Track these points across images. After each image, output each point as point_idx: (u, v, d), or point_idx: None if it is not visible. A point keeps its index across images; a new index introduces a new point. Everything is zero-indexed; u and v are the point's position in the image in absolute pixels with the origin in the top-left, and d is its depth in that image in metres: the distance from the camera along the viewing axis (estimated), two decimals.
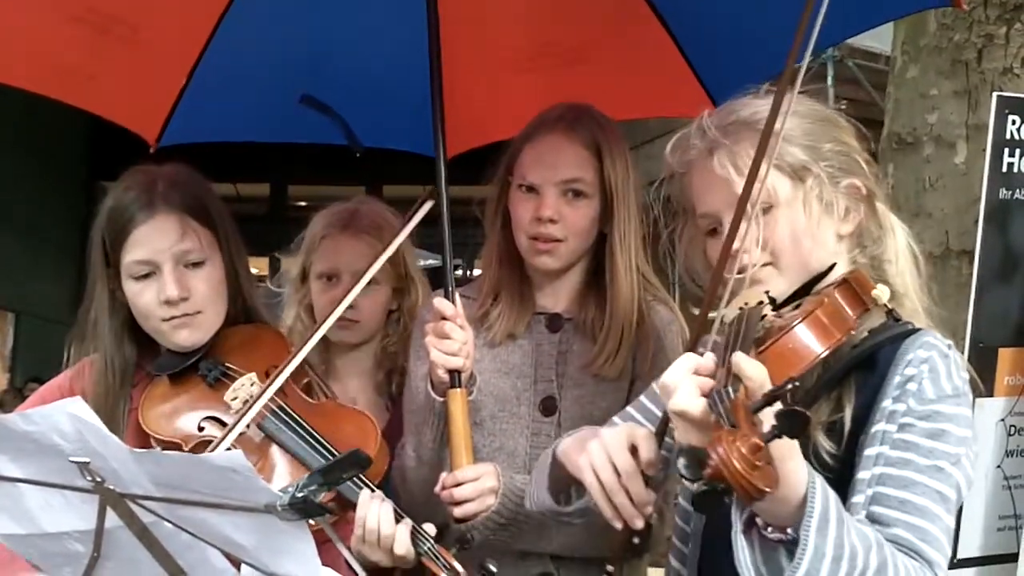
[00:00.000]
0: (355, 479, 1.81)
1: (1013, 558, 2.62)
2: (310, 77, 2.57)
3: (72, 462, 1.28)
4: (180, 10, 2.35)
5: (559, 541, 1.98)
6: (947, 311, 2.91)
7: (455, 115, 2.19)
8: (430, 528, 1.83)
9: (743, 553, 1.28)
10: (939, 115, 3.11)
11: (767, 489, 1.09)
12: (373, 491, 1.83)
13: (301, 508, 1.15)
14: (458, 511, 1.91)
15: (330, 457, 1.81)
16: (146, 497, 1.29)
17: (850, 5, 2.21)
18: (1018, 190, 2.65)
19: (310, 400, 1.96)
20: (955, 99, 3.08)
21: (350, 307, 2.20)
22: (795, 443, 1.22)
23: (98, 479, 1.29)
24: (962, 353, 2.57)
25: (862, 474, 1.36)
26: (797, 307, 1.41)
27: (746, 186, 1.38)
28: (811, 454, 1.38)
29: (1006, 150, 2.63)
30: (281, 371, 1.84)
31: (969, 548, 2.63)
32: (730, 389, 1.17)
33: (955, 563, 2.61)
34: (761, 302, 1.39)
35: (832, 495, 1.26)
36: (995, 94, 2.69)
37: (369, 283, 2.17)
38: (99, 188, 14.03)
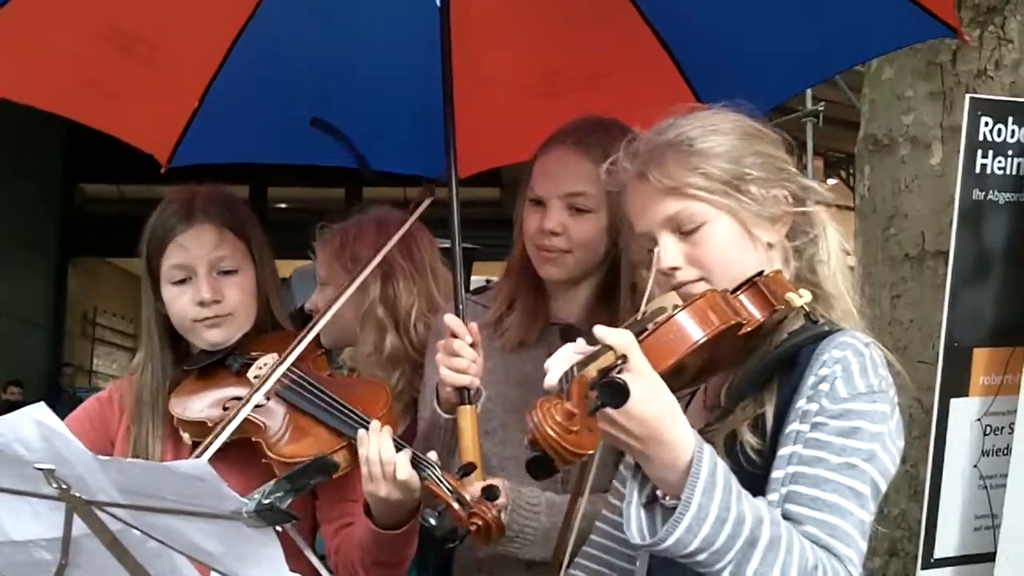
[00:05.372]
0: (357, 421, 1.89)
1: (990, 558, 2.63)
2: (321, 100, 2.60)
3: (38, 469, 1.27)
4: (196, 30, 2.38)
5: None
6: (923, 311, 2.98)
7: (464, 138, 2.21)
8: (432, 456, 1.86)
9: (634, 521, 1.35)
10: (914, 116, 3.11)
11: (580, 451, 1.20)
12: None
13: (268, 515, 1.14)
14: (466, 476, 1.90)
15: (347, 414, 1.91)
16: (113, 504, 1.28)
17: (854, 36, 2.28)
18: (991, 191, 2.66)
19: (327, 376, 2.06)
20: (930, 101, 3.09)
21: None
22: (676, 407, 1.31)
23: (64, 486, 1.28)
24: (937, 353, 2.62)
25: (776, 473, 1.41)
26: None
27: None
28: (738, 449, 1.45)
29: (979, 152, 2.64)
30: (293, 347, 1.94)
31: (946, 548, 2.64)
32: (576, 367, 1.28)
33: (932, 563, 2.62)
34: (676, 305, 1.44)
35: (721, 463, 1.32)
36: (968, 96, 2.70)
37: None
38: (77, 190, 13.98)
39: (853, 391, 1.41)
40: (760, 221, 1.53)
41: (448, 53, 2.18)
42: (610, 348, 1.29)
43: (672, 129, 1.56)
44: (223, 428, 1.86)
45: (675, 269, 1.52)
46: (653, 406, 1.28)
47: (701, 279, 1.51)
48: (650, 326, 1.36)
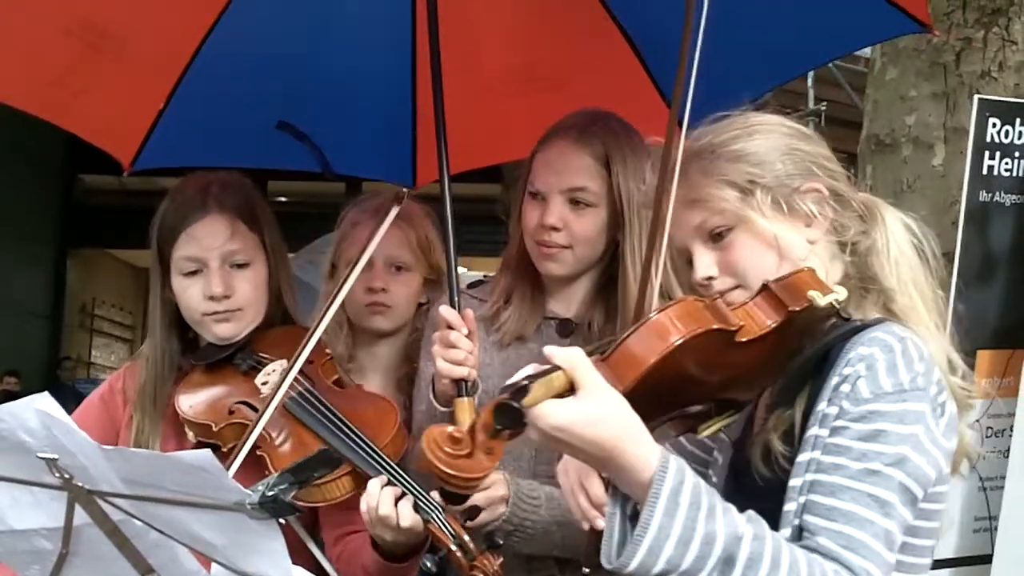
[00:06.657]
0: (374, 459, 1.87)
1: (988, 559, 2.63)
2: (287, 104, 2.58)
3: (40, 458, 1.27)
4: (164, 30, 2.35)
5: (564, 545, 1.97)
6: None
7: (431, 142, 2.19)
8: (436, 496, 1.84)
9: (609, 536, 1.29)
10: (917, 117, 3.12)
11: (469, 475, 1.18)
12: (386, 472, 1.87)
13: (271, 507, 1.14)
14: (470, 520, 1.90)
15: (351, 435, 1.89)
16: (115, 494, 1.28)
17: (827, 31, 2.26)
18: (998, 192, 2.66)
19: (336, 388, 2.04)
20: (933, 101, 3.10)
21: (383, 291, 2.31)
22: (636, 426, 1.24)
23: (66, 476, 1.28)
24: None
25: (793, 481, 1.34)
26: None
27: (657, 211, 1.43)
28: (771, 458, 1.38)
29: (986, 153, 2.64)
30: (301, 350, 1.92)
31: (944, 549, 2.63)
32: (528, 379, 1.23)
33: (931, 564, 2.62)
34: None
35: (691, 481, 1.25)
36: (976, 97, 2.70)
37: (400, 268, 2.33)
38: (77, 180, 13.95)
39: (877, 390, 1.32)
40: (792, 218, 1.46)
41: (436, 47, 2.16)
42: (559, 368, 1.24)
43: (700, 139, 1.52)
44: (237, 454, 1.84)
45: (710, 279, 1.47)
46: (607, 427, 1.22)
47: (737, 287, 1.45)
48: (616, 343, 1.31)
